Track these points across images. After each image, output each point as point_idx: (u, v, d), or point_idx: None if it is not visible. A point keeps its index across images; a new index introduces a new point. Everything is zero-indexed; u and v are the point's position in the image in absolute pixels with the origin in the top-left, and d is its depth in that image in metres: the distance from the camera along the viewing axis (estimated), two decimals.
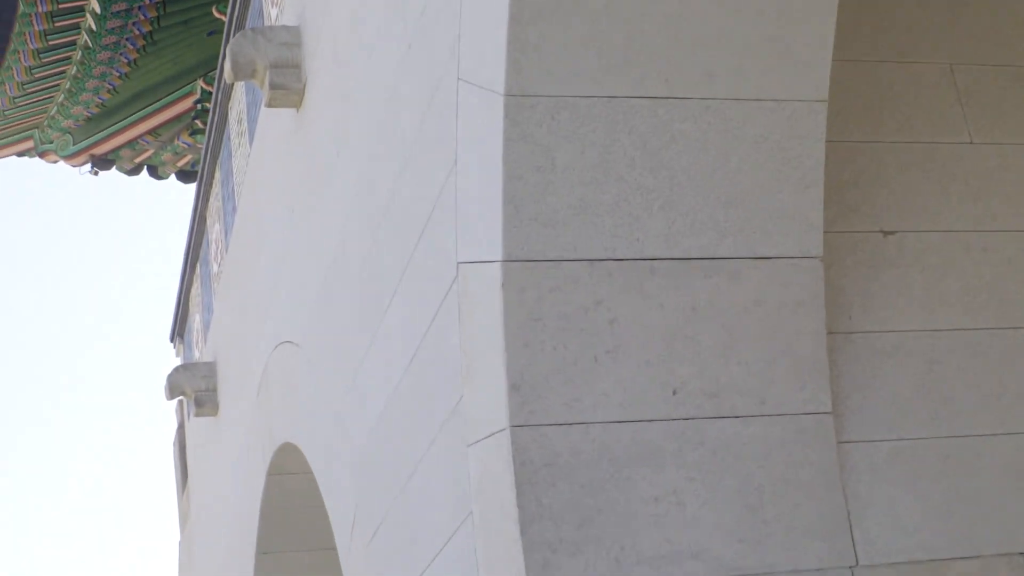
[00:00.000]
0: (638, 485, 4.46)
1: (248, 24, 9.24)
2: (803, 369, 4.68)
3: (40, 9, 13.61)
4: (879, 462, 4.75)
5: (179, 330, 14.01)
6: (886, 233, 5.10)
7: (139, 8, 14.16)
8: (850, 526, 4.63)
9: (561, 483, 4.39)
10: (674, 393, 4.54)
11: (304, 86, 7.40)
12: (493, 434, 4.51)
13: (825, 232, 4.85)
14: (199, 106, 16.31)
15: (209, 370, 11.24)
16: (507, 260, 4.46)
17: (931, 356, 4.94)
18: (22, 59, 14.36)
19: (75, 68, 14.86)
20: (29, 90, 15.25)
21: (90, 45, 14.41)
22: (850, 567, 4.58)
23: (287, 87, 7.40)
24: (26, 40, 14.06)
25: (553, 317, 4.48)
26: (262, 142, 8.87)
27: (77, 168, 17.22)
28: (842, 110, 5.22)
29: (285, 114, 7.84)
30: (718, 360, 4.60)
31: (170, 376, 11.27)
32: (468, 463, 4.76)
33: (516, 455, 4.38)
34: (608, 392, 4.49)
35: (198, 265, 12.62)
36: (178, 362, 14.15)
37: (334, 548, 8.08)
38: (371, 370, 6.03)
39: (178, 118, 16.60)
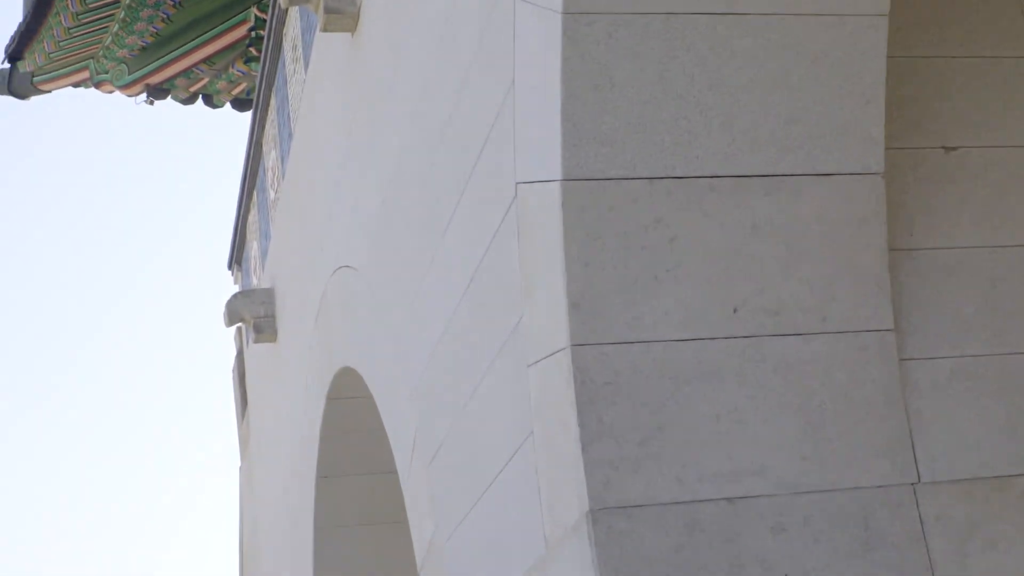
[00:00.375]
0: (699, 403, 4.46)
1: None
2: (865, 286, 4.66)
3: None
4: (941, 379, 4.73)
5: (237, 257, 14.08)
6: (948, 149, 5.05)
7: None
8: (912, 443, 4.62)
9: (622, 401, 4.40)
10: (735, 311, 4.53)
11: (359, 9, 7.38)
12: (554, 353, 4.51)
13: (886, 148, 4.81)
14: (253, 33, 16.29)
15: (267, 296, 11.29)
16: (566, 179, 4.45)
17: (993, 273, 4.90)
18: None
19: None
20: (83, 20, 15.28)
21: None
22: (912, 484, 4.57)
23: (342, 11, 7.38)
24: None
25: (613, 236, 4.47)
26: (317, 67, 8.86)
27: (133, 98, 17.26)
28: (903, 24, 5.16)
29: (340, 39, 7.82)
30: (779, 278, 4.58)
31: (229, 303, 11.33)
32: (529, 383, 4.77)
33: (577, 374, 4.39)
34: (669, 310, 4.48)
35: (255, 192, 12.65)
36: (236, 289, 14.22)
37: (394, 471, 8.13)
38: (430, 292, 6.04)
39: (232, 46, 16.59)
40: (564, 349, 4.44)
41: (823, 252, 4.64)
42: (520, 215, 4.79)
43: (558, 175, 4.46)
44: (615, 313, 4.44)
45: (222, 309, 11.78)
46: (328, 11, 7.37)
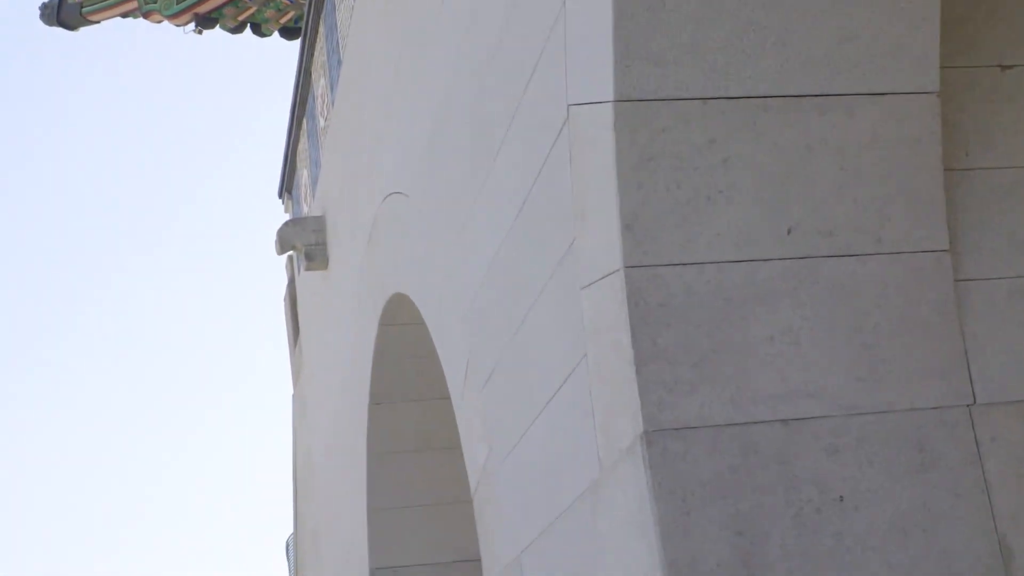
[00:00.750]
0: (753, 325, 4.44)
1: None
2: (920, 206, 4.62)
3: None
4: (997, 300, 4.70)
5: (287, 186, 14.10)
6: (1004, 68, 4.98)
7: None
8: (968, 364, 4.59)
9: (676, 323, 4.39)
10: (788, 232, 4.51)
11: None
12: (607, 275, 4.50)
13: (942, 67, 4.75)
14: None
15: (318, 224, 11.31)
16: (618, 100, 4.42)
17: None
18: None
19: None
20: None
21: None
22: (967, 405, 4.55)
23: None
24: None
25: (666, 157, 4.45)
26: None
27: (181, 28, 17.26)
28: None
29: None
30: (833, 198, 4.55)
31: (280, 231, 11.36)
32: (581, 306, 4.76)
33: (630, 296, 4.38)
34: (722, 232, 4.46)
35: (304, 120, 12.65)
36: (287, 218, 14.25)
37: (447, 397, 8.16)
38: (481, 217, 6.03)
39: None
40: (617, 271, 4.43)
41: (878, 172, 4.60)
42: (572, 138, 4.77)
43: (610, 96, 4.43)
44: (668, 235, 4.42)
45: (273, 238, 11.80)
46: None
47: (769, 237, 4.49)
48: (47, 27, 17.11)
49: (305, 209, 12.73)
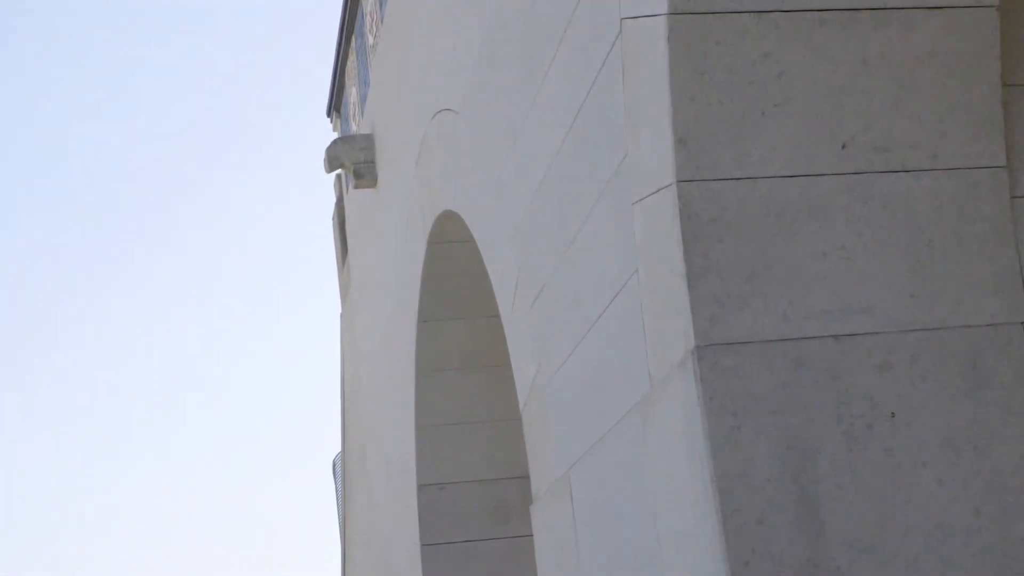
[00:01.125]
0: (806, 240, 4.42)
1: None
2: (977, 122, 4.57)
3: None
4: None
5: (336, 104, 14.08)
6: None
7: None
8: (1023, 281, 4.55)
9: (728, 238, 4.37)
10: (843, 147, 4.47)
11: None
12: (659, 190, 4.48)
13: None
14: None
15: (367, 142, 11.29)
16: (672, 13, 4.38)
17: None
18: None
19: None
20: None
21: None
22: (1021, 323, 4.52)
23: None
24: None
25: (719, 71, 4.41)
26: None
27: None
28: None
29: None
30: (889, 113, 4.51)
31: (328, 149, 11.35)
32: (634, 220, 4.74)
33: (683, 210, 4.36)
34: (776, 146, 4.43)
35: (353, 38, 12.61)
36: (335, 136, 14.25)
37: (495, 315, 8.16)
38: (533, 133, 6.00)
39: None
40: (670, 186, 4.40)
41: (934, 87, 4.55)
42: (625, 51, 4.73)
43: (664, 9, 4.39)
44: (721, 149, 4.40)
45: (322, 156, 11.80)
46: None
47: (823, 152, 4.46)
48: None
49: (354, 127, 12.72)
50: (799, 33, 4.46)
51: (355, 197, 12.69)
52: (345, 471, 15.05)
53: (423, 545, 9.76)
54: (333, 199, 14.75)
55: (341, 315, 14.73)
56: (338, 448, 16.27)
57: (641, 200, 4.64)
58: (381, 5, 10.63)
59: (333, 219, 14.77)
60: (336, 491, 17.41)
